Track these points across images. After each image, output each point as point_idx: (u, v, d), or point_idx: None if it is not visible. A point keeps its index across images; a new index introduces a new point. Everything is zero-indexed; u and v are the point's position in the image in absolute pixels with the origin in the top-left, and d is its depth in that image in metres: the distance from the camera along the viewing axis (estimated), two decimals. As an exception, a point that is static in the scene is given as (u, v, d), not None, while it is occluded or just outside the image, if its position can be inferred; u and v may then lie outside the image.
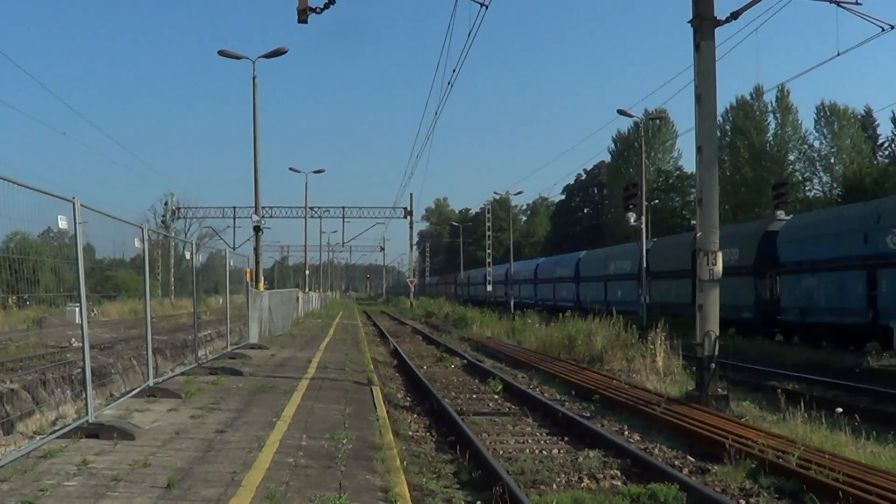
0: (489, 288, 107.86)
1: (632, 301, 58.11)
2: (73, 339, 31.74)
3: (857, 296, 35.33)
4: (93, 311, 52.75)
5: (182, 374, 22.41)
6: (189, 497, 9.69)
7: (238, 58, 45.40)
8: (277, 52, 45.46)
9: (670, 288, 54.80)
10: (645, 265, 55.68)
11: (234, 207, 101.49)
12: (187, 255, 26.51)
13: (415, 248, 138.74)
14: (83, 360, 13.54)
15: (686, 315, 37.55)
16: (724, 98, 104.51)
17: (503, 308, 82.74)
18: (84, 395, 14.03)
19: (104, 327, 43.99)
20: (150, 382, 18.55)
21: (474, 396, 23.89)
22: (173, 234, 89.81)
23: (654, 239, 65.66)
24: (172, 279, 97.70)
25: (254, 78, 45.20)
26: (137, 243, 17.59)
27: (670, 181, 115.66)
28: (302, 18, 23.95)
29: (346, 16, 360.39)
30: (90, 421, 13.52)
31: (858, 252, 35.35)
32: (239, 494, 9.81)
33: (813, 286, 38.20)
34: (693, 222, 26.91)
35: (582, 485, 12.96)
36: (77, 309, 13.65)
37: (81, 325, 13.39)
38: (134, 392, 18.07)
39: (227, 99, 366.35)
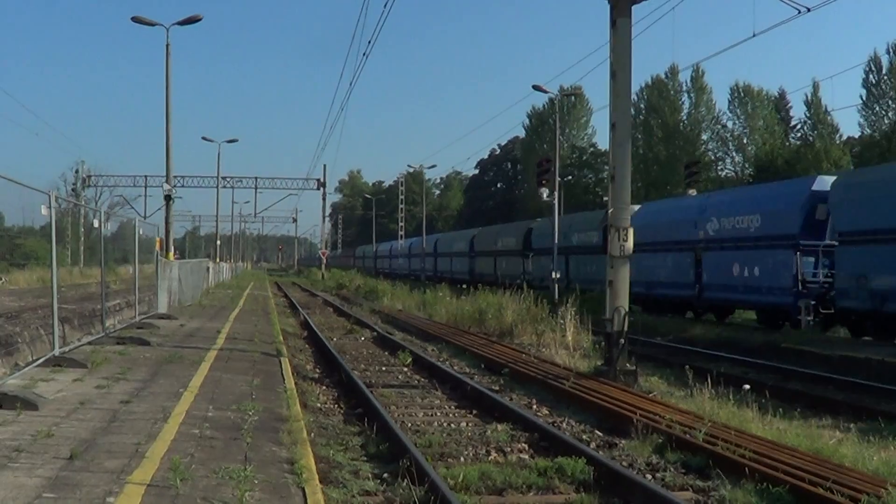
0: (392, 262, 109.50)
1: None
2: (-22, 307, 31.17)
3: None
4: (0, 278, 51.91)
5: (89, 343, 22.11)
6: (92, 468, 9.55)
7: (152, 24, 44.74)
8: (192, 20, 44.88)
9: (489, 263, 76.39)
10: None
11: (146, 176, 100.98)
12: (96, 224, 26.12)
13: (327, 219, 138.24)
14: (-15, 329, 13.29)
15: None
16: (640, 77, 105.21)
17: (413, 281, 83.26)
18: (-14, 364, 13.77)
19: (12, 296, 43.21)
20: (56, 352, 18.25)
21: (384, 369, 23.89)
22: (83, 203, 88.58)
23: (480, 227, 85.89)
24: (82, 248, 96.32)
25: (167, 45, 44.66)
26: (44, 211, 17.23)
27: (584, 158, 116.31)
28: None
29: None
30: (-8, 390, 13.27)
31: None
32: (142, 466, 9.69)
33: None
34: (605, 199, 27.09)
35: (489, 458, 13.00)
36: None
37: (-16, 292, 13.12)
38: (39, 361, 17.76)
39: (141, 66, 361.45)
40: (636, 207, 45.29)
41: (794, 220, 35.08)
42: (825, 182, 34.58)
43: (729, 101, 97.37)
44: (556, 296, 45.51)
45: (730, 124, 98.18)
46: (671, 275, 43.53)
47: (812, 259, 34.94)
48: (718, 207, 41.04)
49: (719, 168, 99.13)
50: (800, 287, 34.41)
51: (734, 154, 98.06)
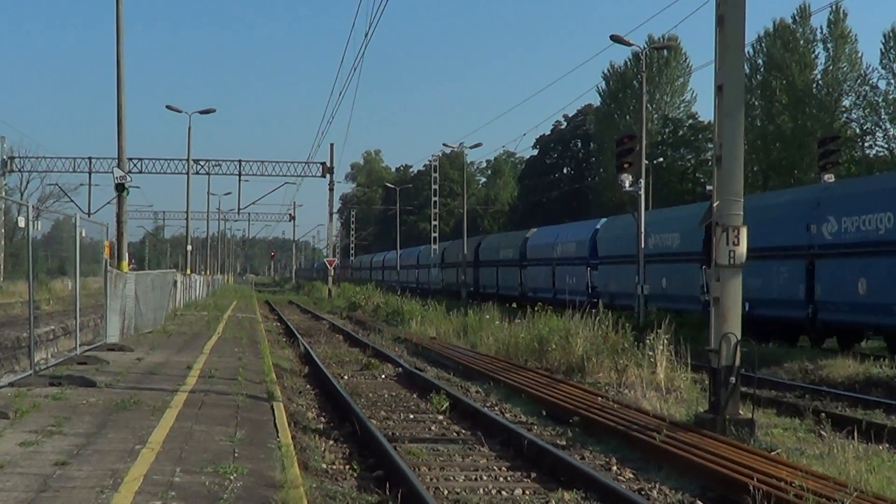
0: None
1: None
2: None
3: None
4: None
5: (11, 384, 22.15)
6: (15, 554, 9.57)
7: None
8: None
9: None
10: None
11: (90, 158, 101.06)
12: (22, 223, 26.23)
13: (336, 217, 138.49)
14: None
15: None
16: (757, 23, 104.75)
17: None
18: None
19: None
20: (-33, 396, 18.36)
21: (411, 417, 23.94)
22: (4, 194, 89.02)
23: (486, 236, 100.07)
24: (2, 255, 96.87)
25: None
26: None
27: (680, 133, 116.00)
28: None
29: None
30: None
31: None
32: (85, 550, 9.71)
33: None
34: (709, 188, 26.86)
35: (554, 538, 12.97)
36: None
37: None
38: (-56, 409, 17.87)
39: (86, 18, 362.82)
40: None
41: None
42: None
43: (881, 54, 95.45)
44: (641, 319, 45.34)
45: (882, 85, 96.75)
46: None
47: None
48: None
49: (867, 145, 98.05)
50: None
51: (888, 125, 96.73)
